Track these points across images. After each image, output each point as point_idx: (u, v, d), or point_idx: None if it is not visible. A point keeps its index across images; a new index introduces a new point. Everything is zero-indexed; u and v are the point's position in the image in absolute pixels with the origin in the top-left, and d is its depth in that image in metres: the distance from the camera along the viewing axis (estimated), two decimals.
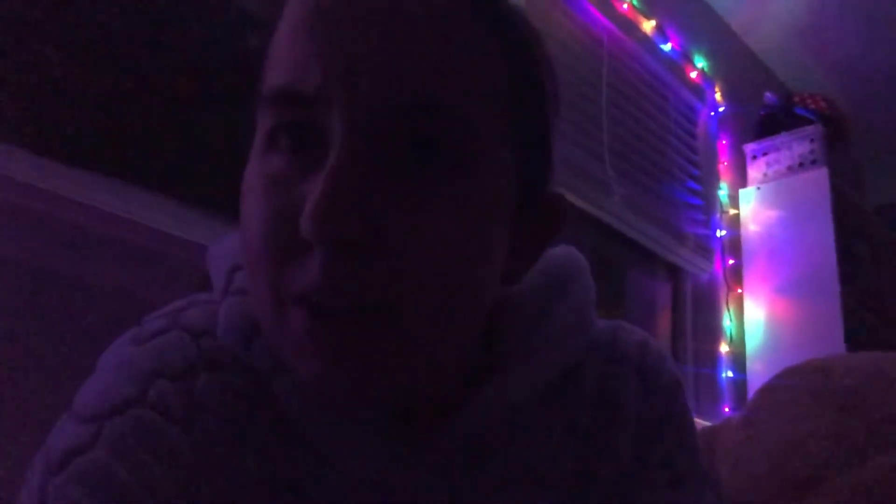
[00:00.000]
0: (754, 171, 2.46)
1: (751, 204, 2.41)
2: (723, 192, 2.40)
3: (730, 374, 2.22)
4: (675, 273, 2.27)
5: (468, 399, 0.42)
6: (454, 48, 0.36)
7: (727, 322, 2.28)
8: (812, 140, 2.34)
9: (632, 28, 2.09)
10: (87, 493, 0.35)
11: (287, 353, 0.37)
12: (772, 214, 2.35)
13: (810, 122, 2.38)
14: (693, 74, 2.34)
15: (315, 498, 0.41)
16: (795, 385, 0.83)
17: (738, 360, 2.26)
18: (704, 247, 2.25)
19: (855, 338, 2.10)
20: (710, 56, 2.40)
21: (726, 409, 2.17)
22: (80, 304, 0.89)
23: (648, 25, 2.15)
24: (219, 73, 1.24)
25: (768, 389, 0.89)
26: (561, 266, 0.49)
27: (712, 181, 2.37)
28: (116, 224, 0.94)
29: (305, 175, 0.35)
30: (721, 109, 2.45)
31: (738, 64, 2.60)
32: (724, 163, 2.43)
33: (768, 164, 2.42)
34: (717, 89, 2.44)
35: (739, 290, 2.34)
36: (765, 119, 2.51)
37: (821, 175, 2.27)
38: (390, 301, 0.34)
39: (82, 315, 0.88)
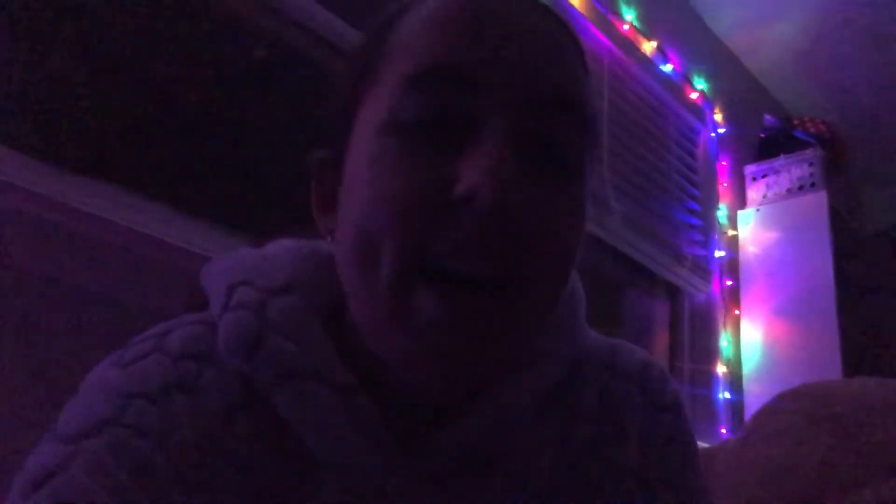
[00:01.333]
0: (753, 193, 2.47)
1: (749, 225, 2.42)
2: (722, 212, 2.41)
3: (726, 395, 2.21)
4: (673, 292, 2.27)
5: (463, 408, 0.42)
6: (581, 66, 0.43)
7: (724, 343, 2.28)
8: (811, 163, 2.36)
9: (632, 49, 2.10)
10: None
11: (405, 333, 0.37)
12: (770, 236, 2.36)
13: (809, 146, 2.40)
14: (693, 95, 2.35)
15: None
16: (792, 409, 0.83)
17: (735, 382, 2.25)
18: (703, 267, 2.25)
19: (852, 361, 2.10)
20: (710, 78, 2.42)
21: (723, 431, 2.16)
22: (86, 314, 0.89)
23: (649, 46, 2.17)
24: (225, 83, 1.25)
25: (765, 413, 0.89)
26: None
27: (711, 202, 2.38)
28: (118, 233, 0.94)
29: (451, 150, 0.37)
30: (721, 131, 2.47)
31: (738, 86, 2.62)
32: (723, 184, 2.45)
33: (767, 186, 2.44)
34: (716, 111, 2.46)
35: (737, 312, 2.34)
36: (764, 141, 2.52)
37: (819, 198, 2.29)
38: (526, 271, 0.37)
39: (93, 328, 0.88)
